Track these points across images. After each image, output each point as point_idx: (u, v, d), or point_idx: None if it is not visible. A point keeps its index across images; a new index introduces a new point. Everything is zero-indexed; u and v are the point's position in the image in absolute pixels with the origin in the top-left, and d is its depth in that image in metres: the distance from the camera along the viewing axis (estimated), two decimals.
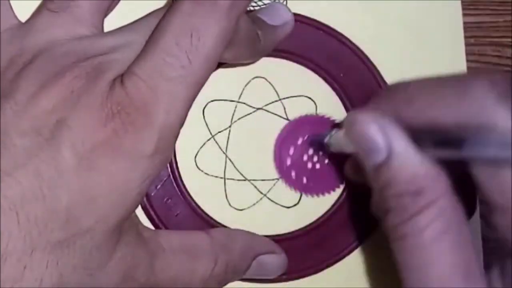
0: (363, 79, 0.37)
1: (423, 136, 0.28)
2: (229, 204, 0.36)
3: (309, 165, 0.36)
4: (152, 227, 0.34)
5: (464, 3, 0.39)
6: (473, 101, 0.26)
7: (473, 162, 0.27)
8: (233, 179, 0.36)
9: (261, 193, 0.36)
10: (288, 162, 0.36)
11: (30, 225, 0.25)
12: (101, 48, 0.29)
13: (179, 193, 0.35)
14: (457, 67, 0.39)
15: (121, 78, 0.27)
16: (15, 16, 0.31)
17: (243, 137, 0.36)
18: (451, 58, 0.39)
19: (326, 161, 0.36)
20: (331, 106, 0.37)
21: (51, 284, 0.26)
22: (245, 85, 0.37)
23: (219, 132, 0.36)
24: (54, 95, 0.27)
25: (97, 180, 0.27)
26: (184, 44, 0.27)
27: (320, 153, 0.36)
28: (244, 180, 0.36)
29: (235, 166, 0.36)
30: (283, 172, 0.36)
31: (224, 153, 0.36)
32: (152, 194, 0.34)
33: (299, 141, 0.36)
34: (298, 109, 0.37)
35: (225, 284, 0.33)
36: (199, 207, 0.35)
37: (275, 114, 0.37)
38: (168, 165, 0.35)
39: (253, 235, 0.35)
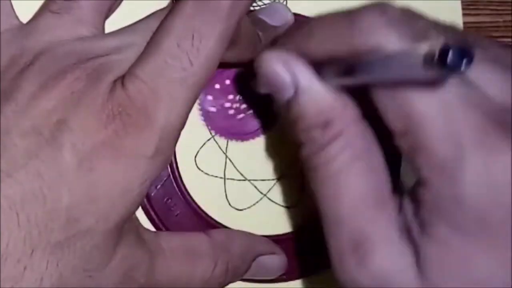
0: None
1: (326, 68, 0.28)
2: (229, 204, 0.36)
3: (231, 111, 0.36)
4: (152, 227, 0.34)
5: (464, 3, 0.39)
6: (364, 28, 0.26)
7: (371, 88, 0.27)
8: (233, 179, 0.36)
9: (261, 193, 0.36)
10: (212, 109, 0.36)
11: (30, 225, 0.25)
12: (102, 49, 0.29)
13: (179, 193, 0.35)
14: None
15: (122, 79, 0.27)
16: (16, 17, 0.31)
17: None
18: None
19: (244, 106, 0.36)
20: None
21: (51, 285, 0.26)
22: None
23: None
24: (54, 96, 0.27)
25: (97, 181, 0.27)
26: (185, 46, 0.27)
27: (239, 97, 0.36)
28: (244, 180, 0.36)
29: (235, 166, 0.36)
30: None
31: (224, 153, 0.36)
32: (152, 194, 0.34)
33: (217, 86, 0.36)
34: None
35: (225, 285, 0.33)
36: (199, 207, 0.35)
37: None
38: (168, 165, 0.35)
39: (253, 235, 0.35)
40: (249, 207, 0.36)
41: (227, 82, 0.36)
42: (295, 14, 0.36)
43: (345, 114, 0.28)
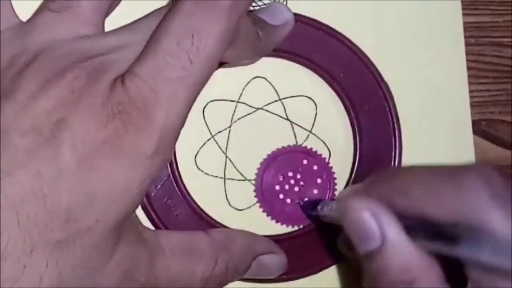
0: (363, 79, 0.37)
1: (416, 227, 0.28)
2: (229, 204, 0.36)
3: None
4: (152, 227, 0.34)
5: (464, 3, 0.39)
6: (468, 198, 0.26)
7: (465, 261, 0.27)
8: (233, 179, 0.36)
9: None
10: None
11: (30, 224, 0.25)
12: (102, 48, 0.28)
13: (179, 193, 0.35)
14: (457, 67, 0.39)
15: (121, 78, 0.27)
16: (16, 16, 0.31)
17: (243, 137, 0.36)
18: (451, 58, 0.39)
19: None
20: (331, 106, 0.37)
21: (51, 284, 0.26)
22: (245, 85, 0.37)
23: (219, 132, 0.36)
24: (54, 95, 0.27)
25: (97, 180, 0.27)
26: (185, 45, 0.27)
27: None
28: (244, 180, 0.36)
29: (235, 166, 0.36)
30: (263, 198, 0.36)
31: (224, 153, 0.36)
32: (152, 194, 0.34)
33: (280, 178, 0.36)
34: (298, 109, 0.37)
35: (225, 284, 0.33)
36: (199, 207, 0.35)
37: (275, 114, 0.37)
38: (168, 165, 0.35)
39: (253, 235, 0.34)
40: (249, 207, 0.36)
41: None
42: (295, 14, 0.36)
43: (431, 275, 0.28)
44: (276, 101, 0.37)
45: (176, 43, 0.27)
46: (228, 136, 0.36)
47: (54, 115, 0.27)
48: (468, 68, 0.39)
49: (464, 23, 0.39)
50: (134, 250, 0.29)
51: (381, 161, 0.37)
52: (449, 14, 0.39)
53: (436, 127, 0.38)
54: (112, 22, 0.31)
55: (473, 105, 0.39)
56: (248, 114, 0.37)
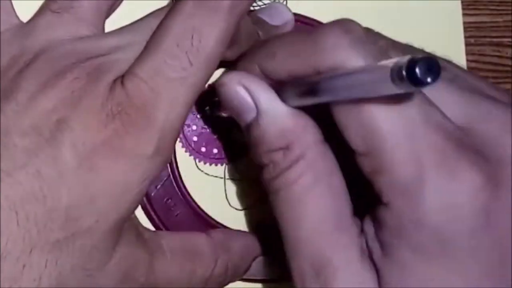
0: None
1: (288, 89, 0.28)
2: (229, 204, 0.36)
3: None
4: (152, 227, 0.34)
5: (464, 3, 0.39)
6: (328, 48, 0.26)
7: (334, 107, 0.27)
8: (233, 179, 0.36)
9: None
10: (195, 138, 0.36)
11: (30, 224, 0.25)
12: (102, 48, 0.29)
13: (179, 193, 0.35)
14: None
15: (121, 78, 0.27)
16: (17, 16, 0.31)
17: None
18: (451, 58, 0.39)
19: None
20: None
21: (50, 284, 0.26)
22: None
23: None
24: (54, 96, 0.27)
25: (97, 180, 0.27)
26: (185, 45, 0.27)
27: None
28: (244, 180, 0.36)
29: (235, 166, 0.36)
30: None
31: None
32: (152, 194, 0.34)
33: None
34: None
35: (225, 284, 0.33)
36: (199, 207, 0.35)
37: None
38: (168, 165, 0.35)
39: (253, 235, 0.35)
40: (249, 207, 0.36)
41: None
42: (295, 14, 0.36)
43: (306, 137, 0.28)
44: None
45: (176, 44, 0.27)
46: None
47: (54, 116, 0.27)
48: (468, 68, 0.39)
49: (464, 23, 0.39)
50: (134, 250, 0.29)
51: None
52: (449, 14, 0.39)
53: None
54: (113, 22, 0.32)
55: None
56: None
